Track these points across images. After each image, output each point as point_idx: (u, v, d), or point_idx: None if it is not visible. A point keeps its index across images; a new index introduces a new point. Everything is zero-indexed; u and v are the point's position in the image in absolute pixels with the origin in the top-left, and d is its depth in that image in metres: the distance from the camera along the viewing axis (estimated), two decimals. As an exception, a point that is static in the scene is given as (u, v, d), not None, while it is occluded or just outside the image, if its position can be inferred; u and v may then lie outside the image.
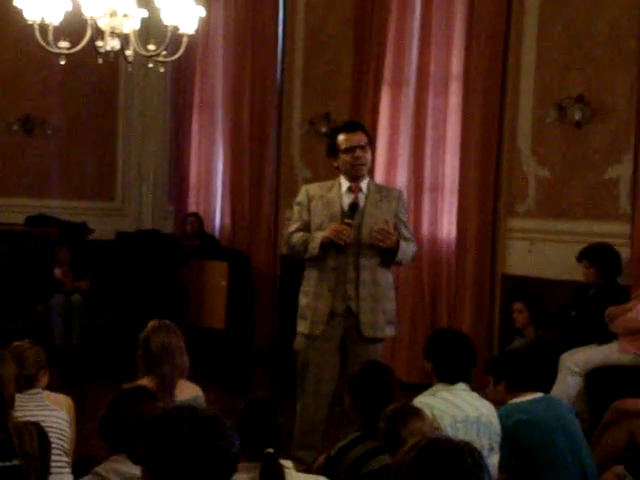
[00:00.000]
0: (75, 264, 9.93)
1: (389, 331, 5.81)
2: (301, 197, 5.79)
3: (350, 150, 5.63)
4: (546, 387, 5.07)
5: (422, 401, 4.43)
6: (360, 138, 5.67)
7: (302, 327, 5.75)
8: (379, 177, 9.11)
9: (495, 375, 4.91)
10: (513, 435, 4.64)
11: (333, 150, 5.71)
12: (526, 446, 4.67)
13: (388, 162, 9.12)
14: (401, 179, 9.04)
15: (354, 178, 5.69)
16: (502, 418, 4.64)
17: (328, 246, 5.58)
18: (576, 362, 6.93)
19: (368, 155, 5.72)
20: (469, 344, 4.73)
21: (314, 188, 5.83)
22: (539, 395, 4.84)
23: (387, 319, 5.76)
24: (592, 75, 7.81)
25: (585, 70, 7.85)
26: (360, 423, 4.26)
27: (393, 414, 3.93)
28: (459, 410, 4.45)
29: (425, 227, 8.84)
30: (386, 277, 5.76)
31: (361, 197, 5.69)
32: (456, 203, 8.61)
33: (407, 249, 5.74)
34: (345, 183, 5.70)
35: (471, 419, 4.45)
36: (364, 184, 5.74)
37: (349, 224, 5.55)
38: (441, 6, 8.72)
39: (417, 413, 3.97)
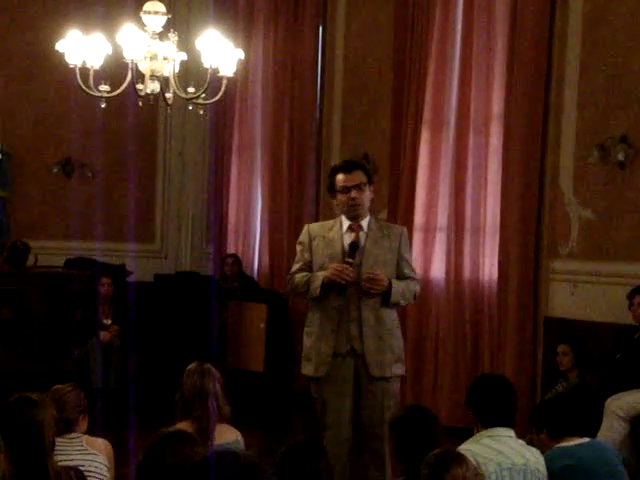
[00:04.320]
0: (115, 302, 9.95)
1: (397, 370, 5.71)
2: (303, 237, 5.76)
3: (346, 190, 5.61)
4: (591, 432, 4.95)
5: (466, 448, 4.35)
6: (357, 178, 5.63)
7: (307, 369, 5.68)
8: (419, 218, 9.07)
9: (537, 424, 4.82)
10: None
11: (332, 190, 5.71)
12: None
13: (428, 203, 9.08)
14: (442, 220, 8.99)
15: (352, 218, 5.66)
16: (548, 462, 4.55)
17: (330, 286, 5.53)
18: (621, 407, 6.83)
19: (365, 195, 5.66)
20: (509, 387, 4.66)
21: (316, 228, 5.83)
22: (586, 440, 4.74)
23: (394, 357, 5.67)
24: (635, 115, 7.73)
25: (628, 110, 7.78)
26: (403, 469, 4.18)
27: (436, 460, 3.85)
28: (505, 457, 4.36)
29: (466, 269, 8.76)
30: (390, 315, 5.68)
31: (362, 236, 5.65)
32: (497, 244, 8.52)
33: (406, 289, 5.66)
34: (346, 222, 5.68)
35: (517, 467, 4.36)
36: (365, 222, 5.70)
37: (350, 263, 5.50)
38: (482, 46, 8.69)
39: (460, 459, 3.89)
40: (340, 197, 5.65)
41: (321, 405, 5.63)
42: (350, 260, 5.52)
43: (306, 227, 5.86)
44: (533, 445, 4.69)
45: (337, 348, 5.57)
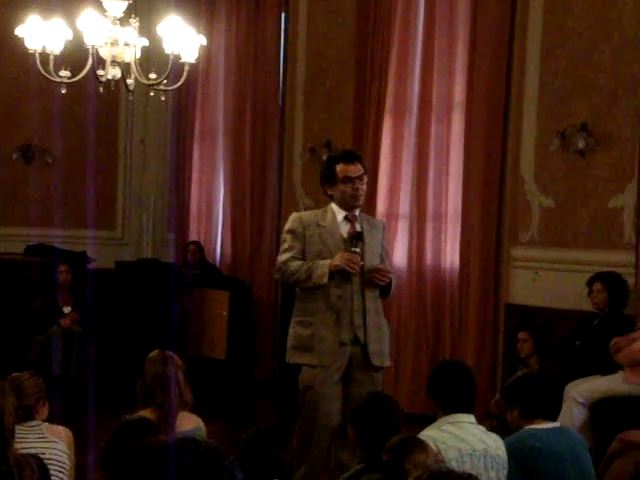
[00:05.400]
0: (76, 290, 9.88)
1: (388, 361, 5.85)
2: (294, 225, 5.72)
3: (349, 181, 5.61)
4: (555, 417, 4.98)
5: (427, 434, 4.37)
6: (358, 169, 5.66)
7: (308, 359, 5.65)
8: (381, 206, 9.08)
9: (511, 400, 4.84)
10: (526, 461, 4.57)
11: (331, 179, 5.67)
12: (537, 474, 4.59)
13: (390, 190, 9.09)
14: (403, 207, 9.01)
15: (350, 208, 5.67)
16: (516, 442, 4.60)
17: (334, 275, 5.54)
18: (581, 393, 6.87)
19: (365, 186, 5.73)
20: (467, 372, 4.69)
21: (308, 216, 5.80)
22: (556, 425, 4.77)
23: (388, 348, 5.80)
24: (595, 103, 7.79)
25: (588, 98, 7.83)
26: (363, 455, 4.19)
27: (397, 446, 3.87)
28: (465, 444, 4.39)
29: (428, 256, 8.79)
30: (382, 306, 5.80)
31: (357, 226, 5.68)
32: (459, 232, 8.56)
33: (393, 282, 5.81)
34: (339, 212, 5.68)
35: (478, 453, 4.39)
36: (357, 213, 5.74)
37: (357, 252, 5.52)
38: (443, 34, 8.71)
39: (421, 445, 3.91)
40: (342, 187, 5.63)
41: (312, 392, 5.61)
42: (357, 250, 5.54)
43: (296, 215, 5.83)
44: (493, 430, 4.72)
45: (341, 337, 5.59)
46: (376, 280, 5.57)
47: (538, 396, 4.74)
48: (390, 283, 5.68)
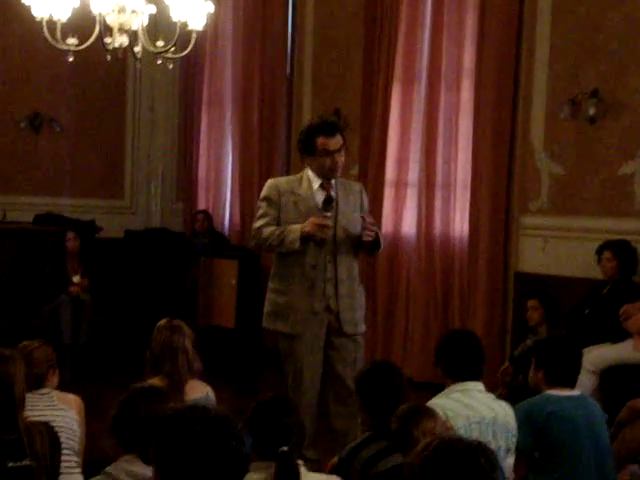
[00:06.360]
0: (85, 258, 9.88)
1: (363, 326, 5.82)
2: (270, 192, 5.68)
3: (328, 153, 5.57)
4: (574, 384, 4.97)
5: (435, 402, 4.38)
6: (338, 141, 5.60)
7: (282, 327, 5.66)
8: (390, 174, 9.07)
9: (537, 361, 4.82)
10: (543, 426, 4.58)
11: (309, 150, 5.62)
12: (553, 440, 4.60)
13: (399, 159, 9.06)
14: (412, 176, 8.99)
15: (327, 179, 5.65)
16: (534, 406, 4.61)
17: (307, 240, 5.52)
18: (590, 360, 6.86)
19: (343, 157, 5.67)
20: (474, 339, 4.69)
21: (283, 183, 5.75)
22: (576, 393, 4.77)
23: (362, 314, 5.79)
24: (606, 70, 7.73)
25: (599, 65, 7.77)
26: (370, 423, 4.20)
27: (406, 414, 3.89)
28: (474, 411, 4.40)
29: (437, 224, 8.77)
30: (357, 272, 5.77)
31: (332, 193, 5.65)
32: (468, 200, 8.53)
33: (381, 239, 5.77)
34: (316, 180, 5.64)
35: (486, 421, 4.40)
36: (333, 180, 5.69)
37: (328, 217, 5.51)
38: (453, 1, 8.64)
39: (430, 413, 3.93)
40: (320, 160, 5.57)
41: (294, 361, 5.63)
42: (328, 214, 5.51)
43: (272, 182, 5.78)
44: (502, 398, 4.72)
45: (314, 306, 5.60)
46: (366, 237, 5.52)
47: (566, 363, 4.73)
48: (378, 238, 5.62)
